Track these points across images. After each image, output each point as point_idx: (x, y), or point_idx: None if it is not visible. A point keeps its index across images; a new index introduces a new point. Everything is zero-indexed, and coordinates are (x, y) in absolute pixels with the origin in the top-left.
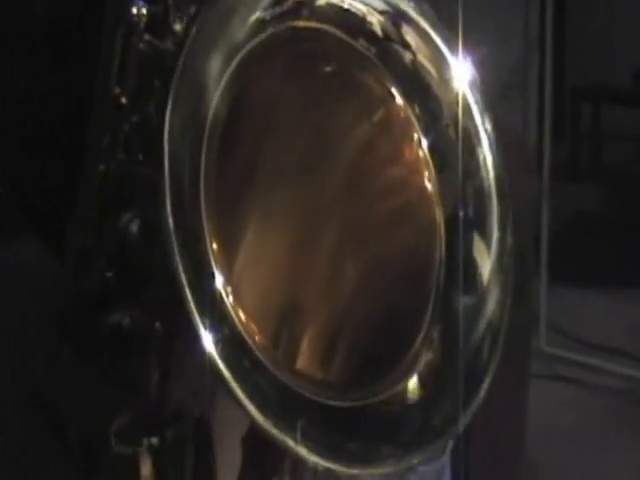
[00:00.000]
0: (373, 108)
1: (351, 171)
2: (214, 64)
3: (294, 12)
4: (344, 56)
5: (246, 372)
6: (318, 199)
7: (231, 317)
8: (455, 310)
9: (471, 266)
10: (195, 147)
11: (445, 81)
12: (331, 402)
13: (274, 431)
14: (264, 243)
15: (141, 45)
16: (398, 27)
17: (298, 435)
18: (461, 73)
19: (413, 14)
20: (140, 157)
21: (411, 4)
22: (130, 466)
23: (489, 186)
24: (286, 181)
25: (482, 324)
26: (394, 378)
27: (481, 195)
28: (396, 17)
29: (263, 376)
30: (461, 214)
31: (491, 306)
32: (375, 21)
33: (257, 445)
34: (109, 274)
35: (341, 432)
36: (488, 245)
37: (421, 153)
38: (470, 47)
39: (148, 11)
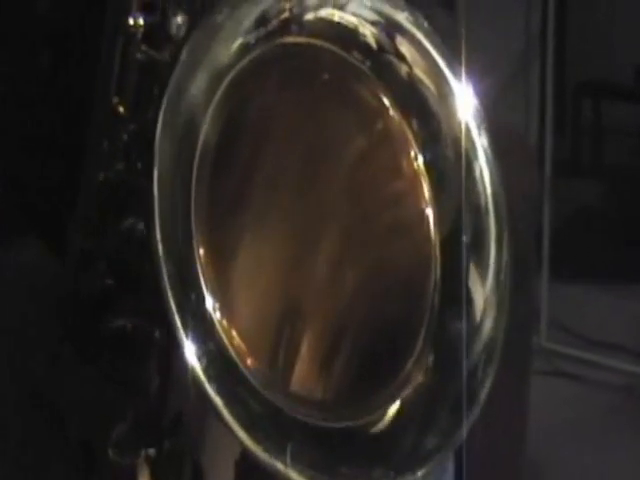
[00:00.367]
0: (368, 122)
1: (346, 186)
2: (203, 86)
3: (281, 30)
4: (338, 70)
5: (235, 393)
6: (313, 214)
7: (219, 335)
8: (448, 333)
9: (466, 291)
10: (186, 167)
11: (443, 96)
12: (322, 423)
13: (264, 455)
14: (257, 260)
15: (139, 55)
16: (392, 38)
17: (288, 458)
18: (461, 93)
19: (407, 24)
20: (139, 165)
21: (404, 14)
22: (128, 477)
23: (486, 202)
24: (280, 197)
25: (478, 345)
26: (386, 398)
27: (478, 212)
28: (389, 28)
29: (254, 398)
30: (463, 240)
31: (487, 326)
32: (368, 33)
33: (249, 469)
34: (109, 281)
35: (331, 455)
36: (485, 267)
37: (417, 168)
38: (470, 58)
39: (145, 22)
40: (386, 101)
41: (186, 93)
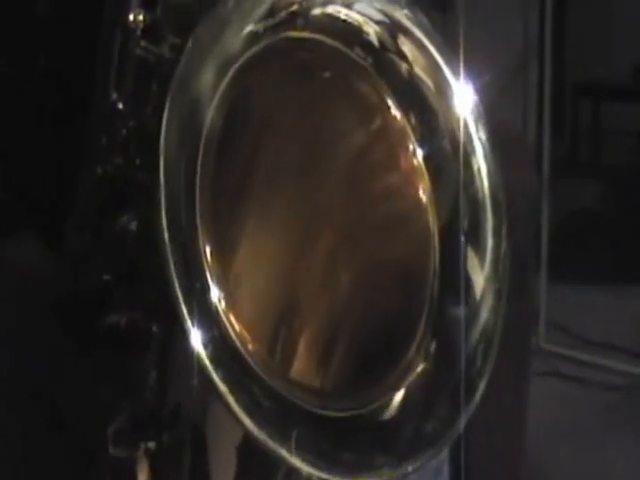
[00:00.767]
0: (369, 117)
1: (346, 179)
2: (210, 75)
3: (288, 23)
4: (340, 66)
5: (239, 380)
6: (313, 207)
7: (224, 323)
8: (448, 320)
9: (465, 277)
10: (191, 156)
11: (441, 92)
12: (325, 412)
13: (268, 441)
14: (259, 250)
15: (138, 51)
16: (394, 37)
17: (293, 445)
18: (460, 90)
19: (410, 25)
20: (137, 161)
21: (408, 14)
22: (127, 470)
23: (483, 196)
24: (282, 189)
25: (476, 332)
26: (387, 386)
27: (475, 205)
28: (393, 28)
29: (257, 385)
30: (461, 227)
31: (485, 314)
32: (372, 31)
33: (251, 454)
34: (107, 277)
35: (335, 442)
36: (482, 256)
37: (416, 163)
38: (468, 58)
39: (145, 17)
40: (386, 97)
41: (192, 82)
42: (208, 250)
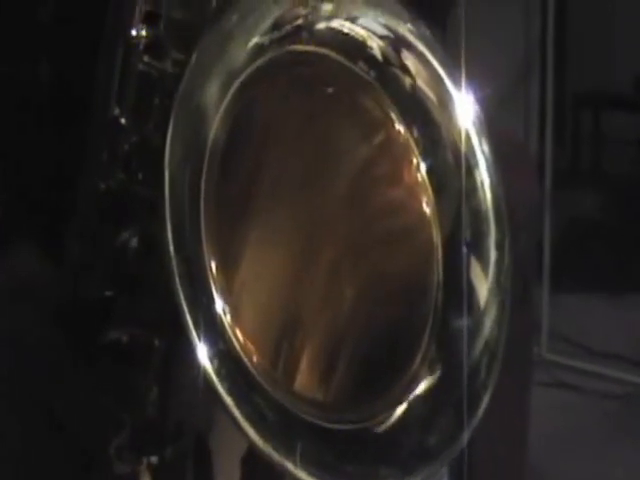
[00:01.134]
0: (372, 131)
1: (350, 192)
2: (214, 89)
3: (293, 37)
4: (344, 79)
5: (244, 393)
6: (317, 220)
7: (229, 336)
8: (452, 332)
9: (468, 289)
10: (195, 170)
11: (444, 104)
12: (329, 425)
13: (273, 454)
14: (263, 263)
15: (140, 66)
16: (398, 52)
17: (297, 458)
18: (462, 102)
19: (413, 39)
20: (139, 176)
21: (412, 29)
22: None
23: (486, 208)
24: (285, 202)
25: (480, 344)
26: (391, 399)
27: (478, 217)
28: (396, 42)
29: (262, 397)
30: (463, 239)
31: (488, 326)
32: (375, 46)
33: (255, 466)
34: (108, 292)
35: (339, 454)
36: (486, 267)
37: (419, 176)
38: (470, 69)
39: (147, 33)
40: (390, 111)
41: (197, 96)
42: (213, 263)
